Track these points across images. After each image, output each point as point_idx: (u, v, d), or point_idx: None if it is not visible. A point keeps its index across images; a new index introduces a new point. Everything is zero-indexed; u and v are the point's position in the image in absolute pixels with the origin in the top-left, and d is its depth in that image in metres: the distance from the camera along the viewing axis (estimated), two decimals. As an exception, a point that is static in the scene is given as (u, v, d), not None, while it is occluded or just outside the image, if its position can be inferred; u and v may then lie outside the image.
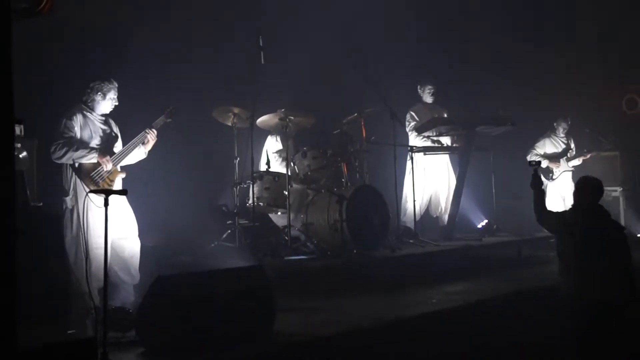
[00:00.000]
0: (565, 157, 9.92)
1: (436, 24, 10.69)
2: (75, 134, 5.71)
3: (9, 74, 3.02)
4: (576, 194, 5.39)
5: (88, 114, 5.84)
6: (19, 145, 5.21)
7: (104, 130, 5.91)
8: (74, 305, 5.19)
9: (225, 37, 8.47)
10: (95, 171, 5.71)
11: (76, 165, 5.67)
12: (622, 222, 10.01)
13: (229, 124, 7.46)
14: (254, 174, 7.20)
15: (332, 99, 9.15)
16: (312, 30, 8.98)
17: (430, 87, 9.11)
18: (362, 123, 7.91)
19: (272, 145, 8.01)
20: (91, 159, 5.69)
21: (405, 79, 9.30)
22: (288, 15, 8.94)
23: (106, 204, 4.29)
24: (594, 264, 5.07)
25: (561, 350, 5.17)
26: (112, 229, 5.64)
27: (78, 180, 5.64)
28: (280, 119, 7.44)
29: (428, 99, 9.14)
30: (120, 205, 5.82)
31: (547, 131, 10.13)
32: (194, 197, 7.72)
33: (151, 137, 5.97)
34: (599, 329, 5.05)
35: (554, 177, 9.78)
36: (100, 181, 5.72)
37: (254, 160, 7.31)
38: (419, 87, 9.19)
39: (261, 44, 7.13)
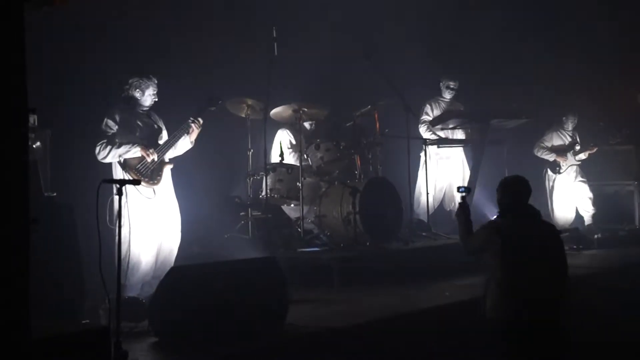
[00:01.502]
0: (572, 151, 9.85)
1: (452, 18, 10.61)
2: (117, 131, 5.71)
3: (23, 63, 3.02)
4: (498, 196, 4.67)
5: (129, 109, 5.84)
6: (32, 135, 5.20)
7: (146, 124, 5.91)
8: (88, 295, 5.20)
9: (239, 28, 8.45)
10: (141, 163, 5.72)
11: (122, 160, 5.68)
12: (637, 217, 10.00)
13: (243, 115, 7.44)
14: (267, 166, 7.19)
15: (345, 91, 9.12)
16: (326, 22, 8.94)
17: (451, 83, 8.95)
18: (376, 115, 7.86)
19: (285, 140, 7.96)
20: (135, 153, 5.70)
21: (419, 72, 9.24)
22: (302, 7, 8.90)
23: (119, 193, 4.28)
24: (522, 273, 4.36)
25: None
26: (158, 223, 5.73)
27: (126, 175, 5.66)
28: (294, 111, 7.42)
29: (447, 94, 9.00)
30: (168, 199, 5.85)
31: (554, 125, 10.04)
32: (207, 189, 7.71)
33: (196, 126, 5.96)
34: (525, 353, 4.36)
35: (561, 170, 9.73)
36: (148, 173, 5.73)
37: (267, 151, 7.31)
38: (441, 82, 9.03)
39: (275, 35, 7.10)
